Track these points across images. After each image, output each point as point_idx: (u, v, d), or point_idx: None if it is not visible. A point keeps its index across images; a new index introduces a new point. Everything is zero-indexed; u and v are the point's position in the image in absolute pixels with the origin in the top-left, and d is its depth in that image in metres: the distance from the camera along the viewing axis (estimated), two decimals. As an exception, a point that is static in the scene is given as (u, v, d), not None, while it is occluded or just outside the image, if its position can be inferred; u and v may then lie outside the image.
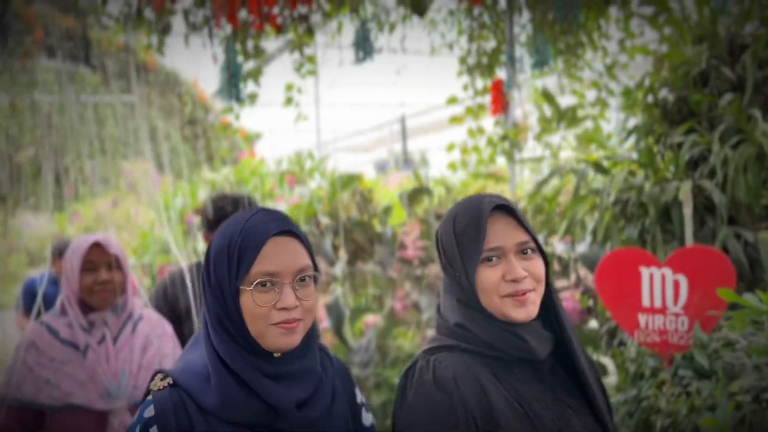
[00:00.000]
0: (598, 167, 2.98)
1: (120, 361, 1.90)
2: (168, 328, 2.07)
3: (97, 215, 9.41)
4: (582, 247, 3.00)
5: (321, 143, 11.49)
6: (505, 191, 6.05)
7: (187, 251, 5.71)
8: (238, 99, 3.84)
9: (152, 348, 1.96)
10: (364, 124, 16.07)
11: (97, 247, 1.93)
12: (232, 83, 3.72)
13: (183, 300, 2.41)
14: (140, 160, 8.23)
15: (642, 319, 2.27)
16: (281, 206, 5.33)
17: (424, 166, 11.80)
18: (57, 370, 1.84)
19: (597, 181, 3.31)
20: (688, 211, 2.35)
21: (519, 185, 5.71)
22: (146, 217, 7.90)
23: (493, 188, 5.71)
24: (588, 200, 3.20)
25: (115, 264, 1.92)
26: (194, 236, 5.54)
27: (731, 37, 2.88)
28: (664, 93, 3.24)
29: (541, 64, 4.12)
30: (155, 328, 2.03)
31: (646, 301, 2.25)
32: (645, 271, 2.25)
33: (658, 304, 2.24)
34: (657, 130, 3.17)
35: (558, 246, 3.16)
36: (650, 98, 3.21)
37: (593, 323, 3.53)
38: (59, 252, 3.99)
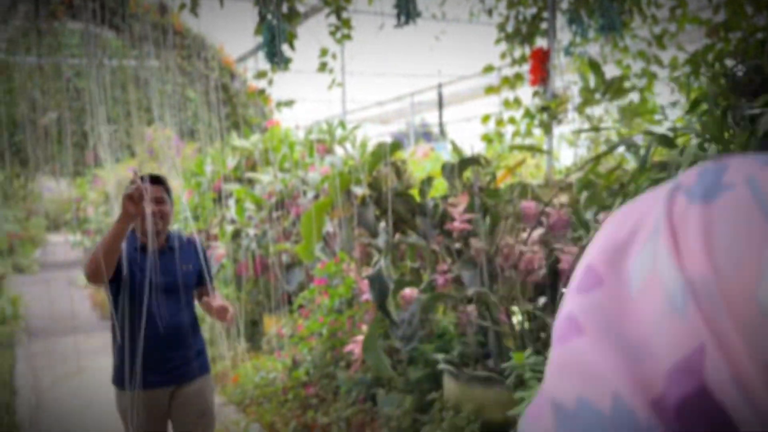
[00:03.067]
0: (665, 140, 2.83)
1: None
2: None
3: (118, 181, 9.34)
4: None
5: (336, 114, 11.29)
6: (540, 164, 5.90)
7: (218, 219, 5.63)
8: (281, 62, 3.69)
9: None
10: (383, 95, 15.84)
11: None
12: (274, 46, 3.56)
13: None
14: (164, 126, 8.12)
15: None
16: (314, 175, 5.22)
17: (443, 139, 11.64)
18: None
19: (658, 154, 3.16)
20: (772, 187, 2.21)
21: (556, 158, 5.57)
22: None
23: (529, 161, 5.57)
24: (645, 174, 3.06)
25: None
26: (225, 203, 5.44)
27: (813, 3, 2.70)
28: (729, 63, 3.07)
29: (608, 28, 3.91)
30: None
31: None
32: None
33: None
34: (721, 102, 3.02)
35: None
36: (715, 68, 3.05)
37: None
38: None
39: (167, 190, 2.74)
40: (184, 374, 2.68)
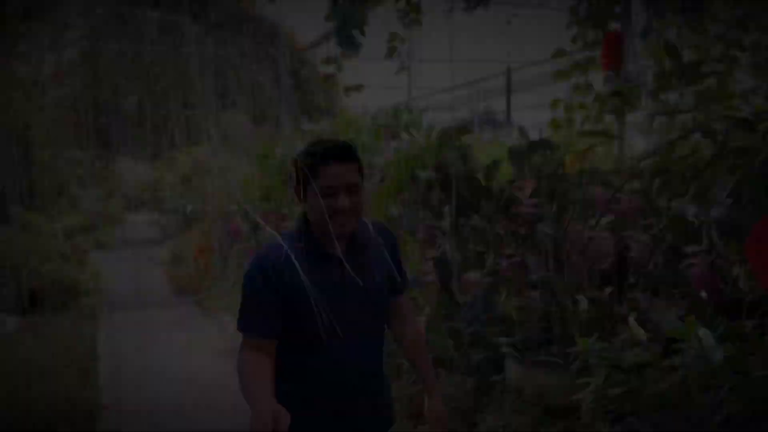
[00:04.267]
0: (745, 124, 2.74)
1: None
2: None
3: (194, 163, 9.72)
4: (715, 211, 2.79)
5: (402, 100, 11.21)
6: (611, 150, 5.76)
7: (287, 199, 5.80)
8: (352, 48, 3.75)
9: None
10: (450, 80, 15.67)
11: None
12: (346, 31, 3.63)
13: None
14: (237, 111, 8.39)
15: (797, 289, 2.08)
16: (380, 160, 5.28)
17: (508, 125, 11.47)
18: None
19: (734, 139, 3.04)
20: None
21: (628, 144, 5.42)
22: (240, 167, 8.08)
23: (599, 147, 5.44)
24: (723, 160, 2.97)
25: None
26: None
27: None
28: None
29: (688, 10, 3.77)
30: None
31: (803, 271, 2.06)
32: (806, 238, 2.05)
33: (818, 274, 2.05)
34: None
35: (689, 209, 2.96)
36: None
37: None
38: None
39: (360, 171, 1.72)
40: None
